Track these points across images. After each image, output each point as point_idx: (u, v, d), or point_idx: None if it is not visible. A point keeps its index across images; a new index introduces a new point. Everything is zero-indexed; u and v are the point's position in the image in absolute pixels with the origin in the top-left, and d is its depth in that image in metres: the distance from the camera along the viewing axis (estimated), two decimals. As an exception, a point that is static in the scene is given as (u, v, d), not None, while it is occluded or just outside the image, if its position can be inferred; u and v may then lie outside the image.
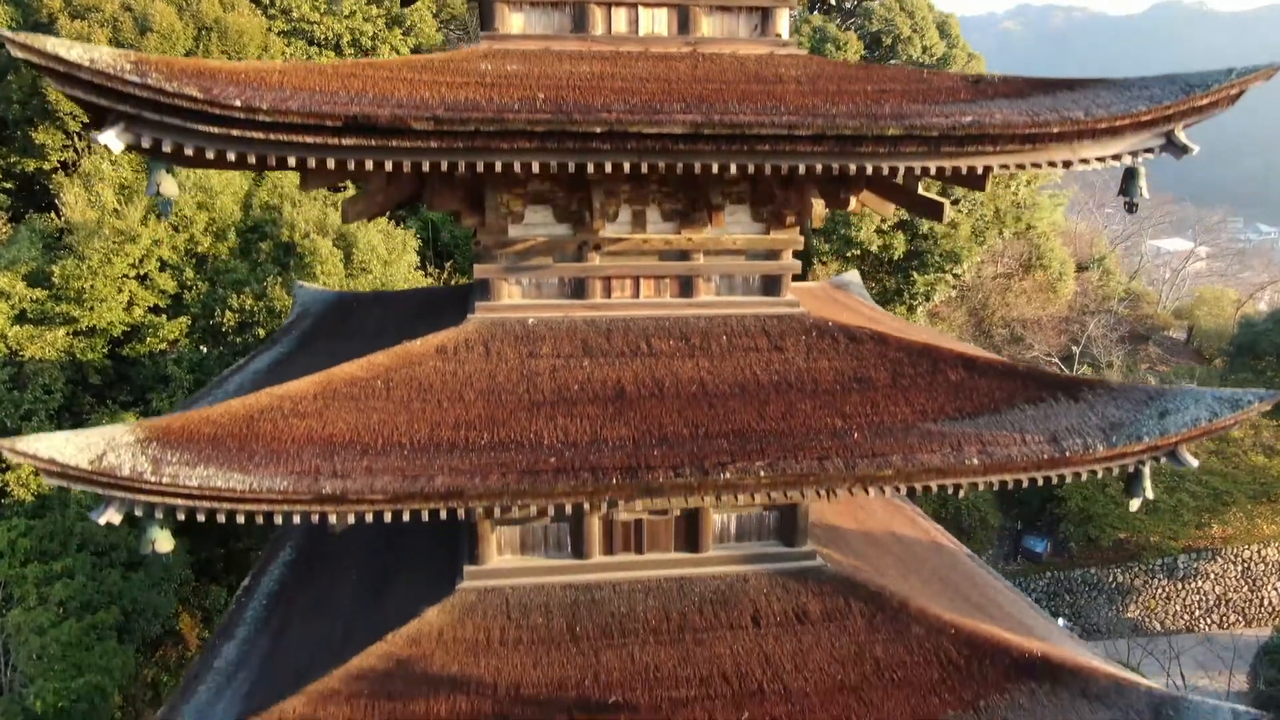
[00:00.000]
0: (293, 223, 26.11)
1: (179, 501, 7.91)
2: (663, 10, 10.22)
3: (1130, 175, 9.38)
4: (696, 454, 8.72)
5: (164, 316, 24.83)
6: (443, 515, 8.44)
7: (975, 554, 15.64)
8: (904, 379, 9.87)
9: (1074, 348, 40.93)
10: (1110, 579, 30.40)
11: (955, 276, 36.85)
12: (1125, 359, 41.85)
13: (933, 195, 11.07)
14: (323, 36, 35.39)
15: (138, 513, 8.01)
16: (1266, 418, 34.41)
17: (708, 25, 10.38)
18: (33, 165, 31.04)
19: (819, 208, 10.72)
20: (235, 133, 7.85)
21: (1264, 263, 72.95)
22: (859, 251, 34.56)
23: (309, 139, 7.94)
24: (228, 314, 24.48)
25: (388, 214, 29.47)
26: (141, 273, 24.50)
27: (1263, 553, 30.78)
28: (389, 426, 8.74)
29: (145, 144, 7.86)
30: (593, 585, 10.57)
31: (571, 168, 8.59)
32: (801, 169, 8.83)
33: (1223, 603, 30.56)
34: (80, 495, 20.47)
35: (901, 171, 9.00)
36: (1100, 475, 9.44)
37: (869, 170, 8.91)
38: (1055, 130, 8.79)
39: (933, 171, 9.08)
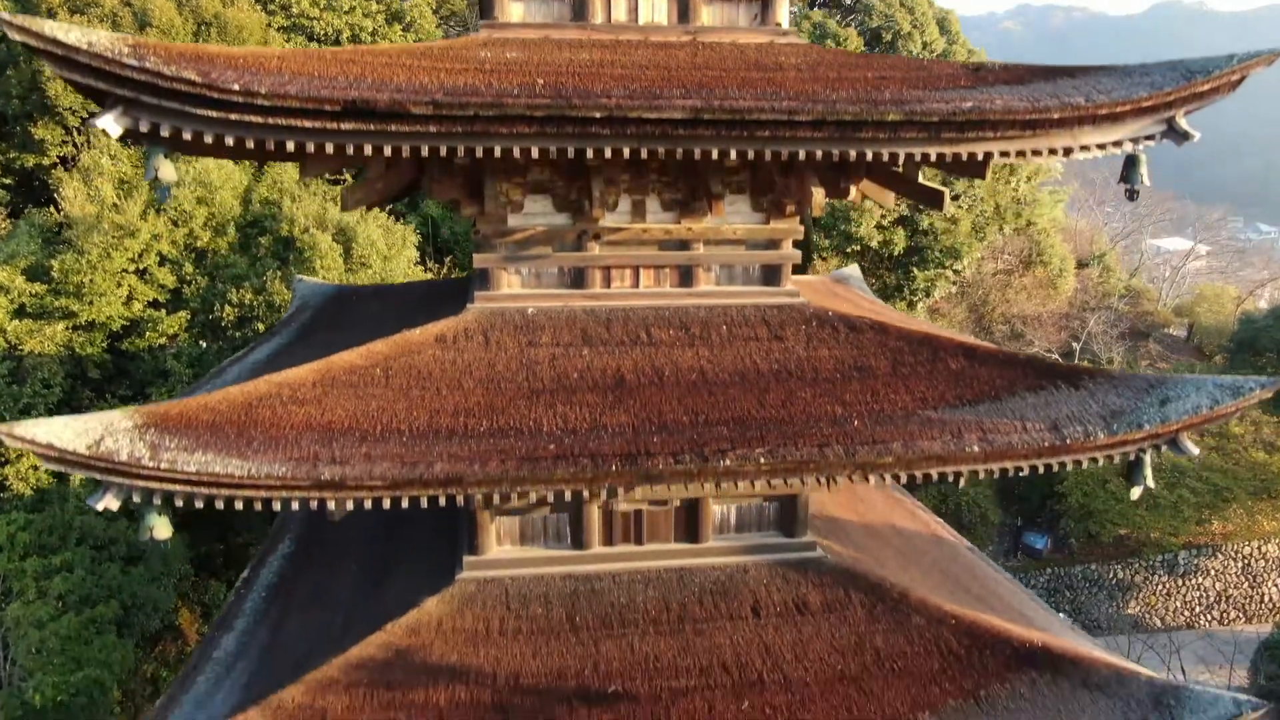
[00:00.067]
0: (292, 217, 26.09)
1: (177, 487, 7.89)
2: (663, -1, 10.20)
3: (1131, 162, 9.35)
4: (696, 441, 8.69)
5: (163, 311, 24.81)
6: (442, 502, 8.42)
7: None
8: (904, 367, 9.85)
9: (1074, 344, 40.92)
10: (1111, 575, 30.37)
11: (955, 272, 36.81)
12: (1125, 355, 41.85)
13: (933, 184, 11.05)
14: (322, 32, 35.40)
15: (136, 499, 7.98)
16: (1267, 414, 34.40)
17: (708, 14, 10.37)
18: (32, 160, 31.06)
19: (819, 197, 10.68)
20: (233, 117, 7.83)
21: (1264, 260, 72.86)
22: (859, 247, 34.53)
23: (307, 123, 7.92)
24: (227, 309, 24.45)
25: (387, 209, 29.49)
26: (141, 267, 24.47)
27: (1263, 549, 30.76)
28: (388, 414, 8.72)
29: (143, 128, 7.84)
30: (592, 576, 10.55)
31: (571, 153, 8.56)
32: (801, 155, 8.80)
33: (1223, 599, 30.53)
34: (79, 489, 20.46)
35: (902, 158, 8.97)
36: (1101, 463, 9.42)
37: (869, 156, 8.88)
38: (1056, 116, 8.76)
39: (933, 158, 9.04)
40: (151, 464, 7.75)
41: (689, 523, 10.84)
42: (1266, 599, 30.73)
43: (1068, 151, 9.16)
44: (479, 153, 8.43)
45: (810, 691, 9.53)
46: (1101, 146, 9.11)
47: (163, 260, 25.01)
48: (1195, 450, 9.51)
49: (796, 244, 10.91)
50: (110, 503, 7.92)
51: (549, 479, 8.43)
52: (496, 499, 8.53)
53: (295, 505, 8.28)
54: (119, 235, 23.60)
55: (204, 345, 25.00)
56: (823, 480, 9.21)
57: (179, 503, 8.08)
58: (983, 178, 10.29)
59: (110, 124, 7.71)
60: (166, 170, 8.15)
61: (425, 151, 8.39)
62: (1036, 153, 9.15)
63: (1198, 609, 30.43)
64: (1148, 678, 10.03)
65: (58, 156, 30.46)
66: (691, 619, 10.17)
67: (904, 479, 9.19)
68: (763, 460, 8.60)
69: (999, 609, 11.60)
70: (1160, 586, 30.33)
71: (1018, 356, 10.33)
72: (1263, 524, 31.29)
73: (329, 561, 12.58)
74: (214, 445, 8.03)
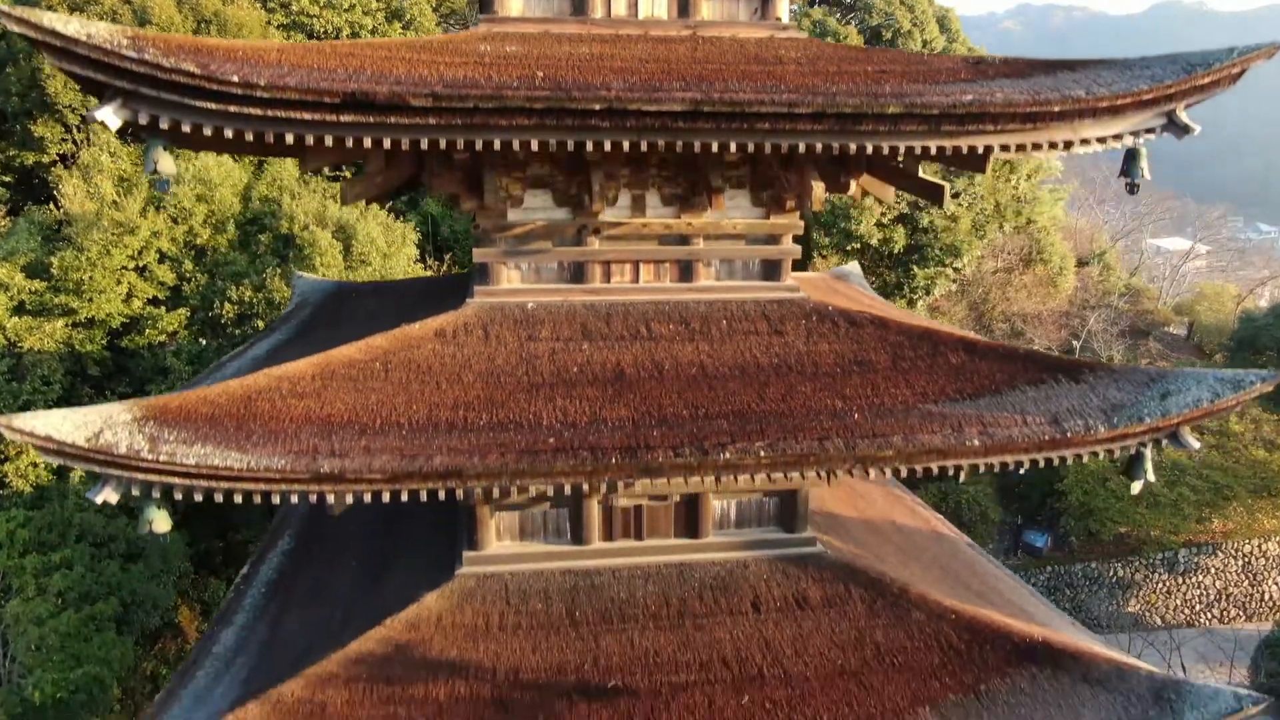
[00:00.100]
0: (292, 215, 26.07)
1: (176, 480, 7.87)
2: (662, -8, 10.19)
3: (1131, 156, 9.33)
4: (696, 434, 8.68)
5: (163, 308, 24.82)
6: (441, 495, 8.40)
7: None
8: (904, 361, 9.83)
9: (1074, 342, 40.88)
10: (1111, 573, 30.36)
11: (955, 270, 36.77)
12: (1126, 353, 41.78)
13: (933, 178, 11.03)
14: (322, 30, 35.38)
15: (135, 492, 7.97)
16: (1267, 412, 34.39)
17: (708, 9, 10.37)
18: (32, 158, 31.05)
19: (819, 191, 10.67)
20: (233, 109, 7.80)
21: (1264, 260, 72.80)
22: (859, 245, 34.49)
23: (307, 115, 7.90)
24: (227, 306, 24.44)
25: (387, 207, 29.47)
26: (140, 264, 24.48)
27: (1263, 547, 30.75)
28: (387, 407, 8.71)
29: (143, 120, 7.82)
30: (592, 571, 10.53)
31: (570, 146, 8.54)
32: (801, 148, 8.79)
33: (1223, 597, 30.52)
34: (79, 486, 20.45)
35: (902, 151, 8.96)
36: (1102, 457, 9.40)
37: (869, 150, 8.86)
38: (1056, 109, 8.74)
39: (933, 151, 9.03)
40: (150, 456, 7.73)
41: (689, 518, 10.82)
42: (1267, 597, 30.73)
43: (1068, 145, 9.14)
44: (478, 146, 8.41)
45: (810, 686, 9.51)
46: (1102, 140, 9.09)
47: (162, 257, 25.01)
48: (1196, 444, 9.50)
49: (796, 239, 10.90)
50: (109, 496, 7.90)
51: (548, 472, 8.41)
52: (496, 493, 8.52)
53: (294, 498, 8.26)
54: (119, 232, 23.60)
55: (203, 342, 24.99)
56: (823, 474, 9.18)
57: (178, 496, 8.06)
58: (983, 171, 10.27)
59: (109, 116, 7.70)
60: (166, 163, 8.14)
61: (425, 144, 8.37)
62: (1037, 146, 9.12)
63: (1198, 607, 30.42)
64: (1148, 672, 10.02)
65: (57, 154, 30.46)
66: (691, 614, 10.16)
67: (904, 473, 9.17)
68: (763, 454, 8.58)
69: (999, 604, 11.58)
70: (1160, 584, 30.32)
71: (1018, 351, 10.32)
72: (1263, 522, 31.29)
73: (328, 557, 12.57)
74: (213, 438, 8.01)
